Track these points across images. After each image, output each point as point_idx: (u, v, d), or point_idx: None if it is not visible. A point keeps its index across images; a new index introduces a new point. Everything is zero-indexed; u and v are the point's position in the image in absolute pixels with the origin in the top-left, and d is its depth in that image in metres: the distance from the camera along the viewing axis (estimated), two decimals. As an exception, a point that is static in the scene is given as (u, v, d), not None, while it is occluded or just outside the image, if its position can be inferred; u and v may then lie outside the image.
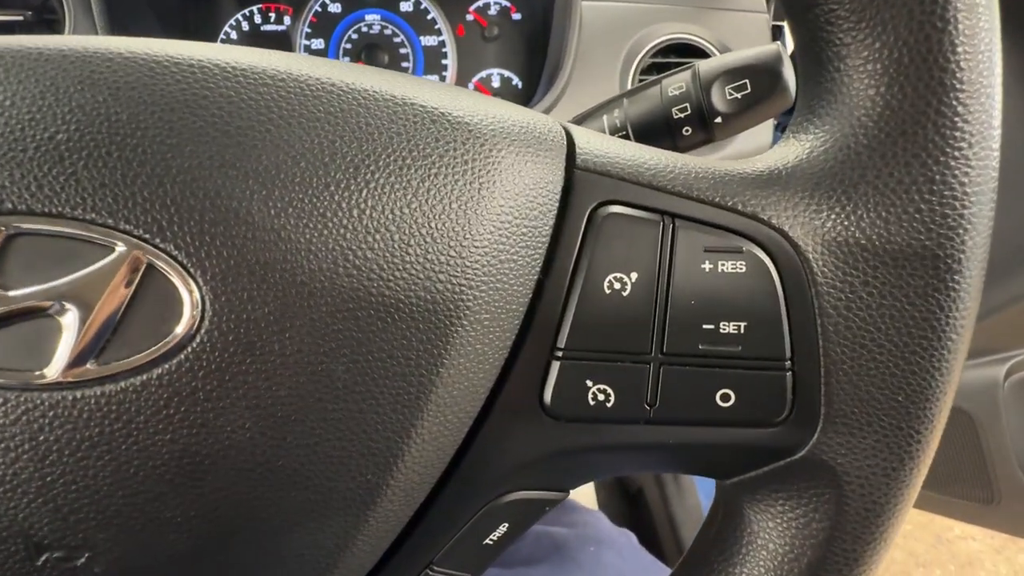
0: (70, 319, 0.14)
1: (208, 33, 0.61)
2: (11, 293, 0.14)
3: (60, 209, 0.14)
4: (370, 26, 0.61)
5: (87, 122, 0.14)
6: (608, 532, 0.44)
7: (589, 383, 0.17)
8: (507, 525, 0.18)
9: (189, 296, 0.14)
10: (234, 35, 0.61)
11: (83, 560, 0.15)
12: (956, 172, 0.15)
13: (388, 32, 0.61)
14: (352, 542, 0.16)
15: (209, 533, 0.15)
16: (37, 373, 0.14)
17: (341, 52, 0.61)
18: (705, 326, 0.16)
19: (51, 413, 0.14)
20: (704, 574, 0.19)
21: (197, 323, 0.14)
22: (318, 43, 0.61)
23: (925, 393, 0.16)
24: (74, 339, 0.14)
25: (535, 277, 0.17)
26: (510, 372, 0.17)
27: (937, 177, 0.15)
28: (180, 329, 0.14)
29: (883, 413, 0.16)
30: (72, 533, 0.15)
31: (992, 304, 0.72)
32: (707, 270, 0.16)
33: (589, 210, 0.17)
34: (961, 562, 1.62)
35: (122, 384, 0.14)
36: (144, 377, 0.14)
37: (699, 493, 0.96)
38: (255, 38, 0.61)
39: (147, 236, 0.14)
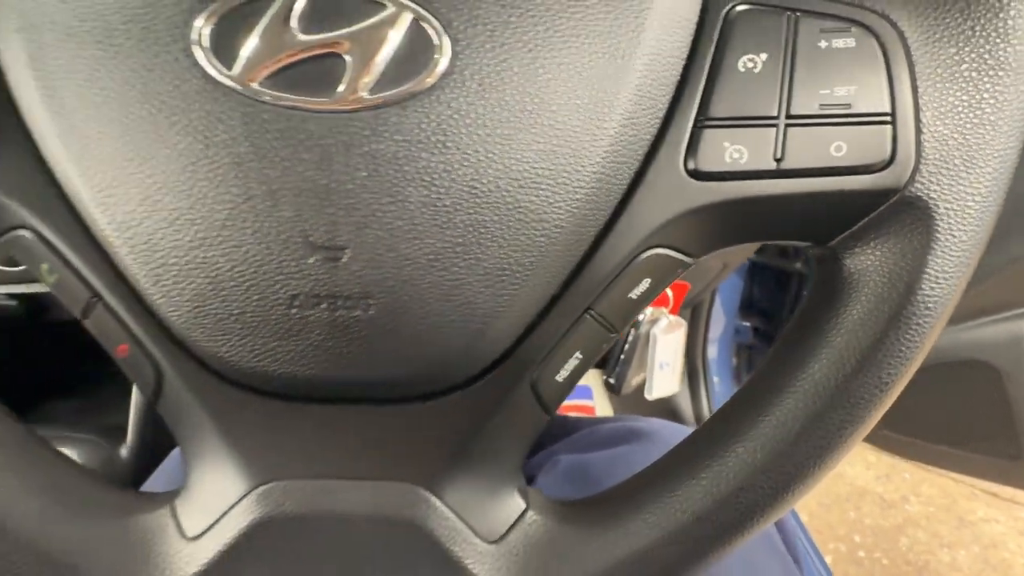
0: (352, 59, 0.19)
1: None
2: (309, 37, 0.18)
3: None
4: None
5: None
6: (686, 429, 0.48)
7: (727, 144, 0.21)
8: (649, 281, 0.22)
9: (441, 44, 0.19)
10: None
11: (344, 259, 0.20)
12: None
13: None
14: (553, 246, 0.20)
15: (453, 232, 0.20)
16: (325, 99, 0.19)
17: None
18: (822, 91, 0.20)
19: (333, 130, 0.19)
20: (810, 327, 0.23)
21: (447, 69, 0.19)
22: None
23: (1003, 128, 0.20)
24: (355, 73, 0.19)
25: (683, 62, 0.21)
26: (662, 140, 0.21)
27: None
28: (437, 71, 0.19)
29: (966, 149, 0.20)
30: (340, 234, 0.19)
31: (1014, 254, 0.76)
32: (823, 47, 0.21)
33: (725, 11, 0.21)
34: (985, 544, 1.63)
35: (385, 111, 0.19)
36: (405, 106, 0.19)
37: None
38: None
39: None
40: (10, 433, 0.23)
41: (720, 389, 1.24)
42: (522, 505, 0.24)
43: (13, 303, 0.60)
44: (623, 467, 0.42)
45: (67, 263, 0.21)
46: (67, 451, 0.33)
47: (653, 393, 0.47)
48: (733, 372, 1.27)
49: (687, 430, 0.47)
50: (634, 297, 0.23)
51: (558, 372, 0.23)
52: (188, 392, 0.22)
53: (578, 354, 0.23)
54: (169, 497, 0.24)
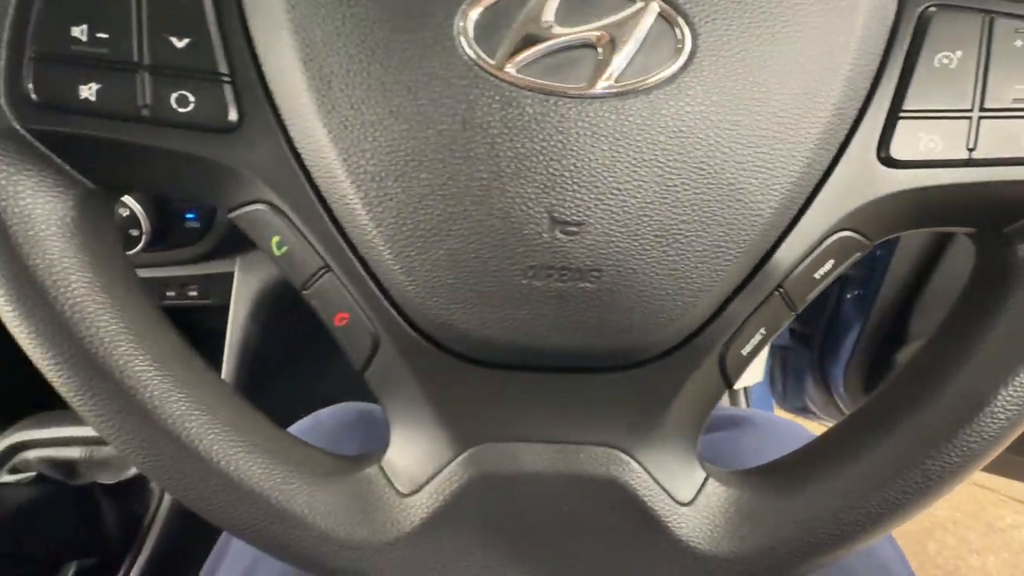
0: (602, 49, 0.20)
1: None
2: (564, 29, 0.20)
3: None
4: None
5: None
6: (776, 416, 0.49)
7: (921, 134, 0.22)
8: (832, 262, 0.24)
9: (684, 37, 0.20)
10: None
11: (577, 234, 0.21)
12: None
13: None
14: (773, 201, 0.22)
15: (679, 211, 0.21)
16: (577, 86, 0.20)
17: None
18: (1017, 86, 0.22)
19: (582, 115, 0.20)
20: (981, 308, 0.25)
21: (687, 59, 0.20)
22: None
23: None
24: (605, 63, 0.20)
25: (879, 56, 0.22)
26: (856, 129, 0.23)
27: None
28: (678, 62, 0.20)
29: None
30: (579, 211, 0.21)
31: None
32: (1019, 46, 0.22)
33: (919, 10, 0.23)
34: (1015, 549, 1.63)
35: (631, 99, 0.20)
36: (649, 93, 0.20)
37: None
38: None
39: None
40: (230, 400, 0.25)
41: (756, 389, 1.25)
42: (703, 472, 0.26)
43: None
44: (729, 451, 0.43)
45: (302, 236, 0.23)
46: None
47: (740, 382, 0.49)
48: (767, 372, 1.28)
49: (777, 417, 0.49)
50: (817, 277, 0.24)
51: (744, 347, 0.25)
52: (402, 360, 0.24)
53: (762, 330, 0.24)
54: (376, 458, 0.26)
